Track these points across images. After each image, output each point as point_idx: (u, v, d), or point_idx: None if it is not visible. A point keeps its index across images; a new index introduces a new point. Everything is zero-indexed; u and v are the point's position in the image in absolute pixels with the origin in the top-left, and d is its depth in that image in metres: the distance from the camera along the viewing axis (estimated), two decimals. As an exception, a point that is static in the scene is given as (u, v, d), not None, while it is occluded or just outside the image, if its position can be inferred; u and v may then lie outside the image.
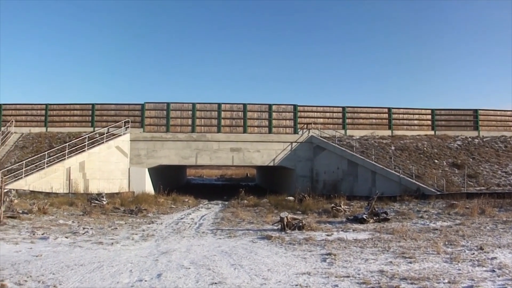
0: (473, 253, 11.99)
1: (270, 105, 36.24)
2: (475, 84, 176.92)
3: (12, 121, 35.30)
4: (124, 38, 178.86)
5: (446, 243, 13.70)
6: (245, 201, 28.88)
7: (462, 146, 34.54)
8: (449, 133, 36.83)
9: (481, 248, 12.54)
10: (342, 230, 17.17)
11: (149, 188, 33.49)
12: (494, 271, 10.00)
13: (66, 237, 15.25)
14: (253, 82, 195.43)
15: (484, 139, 36.14)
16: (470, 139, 35.98)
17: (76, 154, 30.46)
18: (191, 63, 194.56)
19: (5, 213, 18.39)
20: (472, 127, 38.16)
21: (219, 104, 36.10)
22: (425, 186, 27.37)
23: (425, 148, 33.69)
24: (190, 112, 35.70)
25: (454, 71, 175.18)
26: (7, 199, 19.84)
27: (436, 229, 16.81)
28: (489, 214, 20.48)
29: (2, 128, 34.58)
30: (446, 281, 9.11)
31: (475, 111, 38.76)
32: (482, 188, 27.55)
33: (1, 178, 21.72)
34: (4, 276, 9.43)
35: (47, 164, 28.94)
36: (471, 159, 32.34)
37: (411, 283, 8.96)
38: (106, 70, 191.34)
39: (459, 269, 10.18)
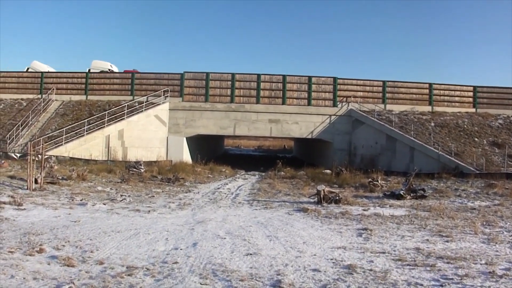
0: (512, 235, 11.79)
1: (309, 77, 35.94)
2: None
3: (53, 89, 35.79)
4: (166, 9, 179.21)
5: (484, 223, 13.46)
6: (282, 172, 28.92)
7: (503, 125, 33.83)
8: (490, 111, 36.06)
9: (520, 230, 12.32)
10: (378, 206, 17.04)
11: (186, 157, 33.71)
12: (533, 253, 9.82)
13: (104, 204, 15.47)
14: (293, 54, 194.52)
15: (527, 119, 35.34)
16: (512, 118, 35.22)
17: (115, 122, 30.80)
18: (231, 36, 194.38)
19: (45, 179, 18.72)
20: (515, 106, 37.26)
21: (259, 75, 35.96)
22: (464, 165, 26.97)
23: (465, 126, 33.12)
24: (229, 83, 35.64)
25: (496, 50, 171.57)
26: (47, 165, 20.18)
27: (474, 209, 16.54)
28: (529, 195, 20.06)
29: (44, 96, 35.07)
30: (483, 262, 8.96)
31: (519, 89, 37.83)
32: (523, 169, 27.03)
33: (42, 144, 22.03)
34: (43, 241, 9.61)
35: (86, 131, 29.37)
36: (512, 139, 31.72)
37: (447, 263, 8.83)
38: (147, 40, 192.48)
39: (497, 251, 10.00)
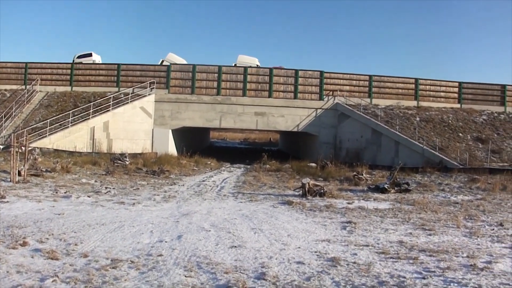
0: (493, 229, 11.92)
1: (296, 71, 36.02)
2: (502, 61, 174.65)
3: (38, 80, 35.52)
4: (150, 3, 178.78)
5: (466, 217, 13.63)
6: (268, 165, 28.99)
7: (487, 121, 34.16)
8: (475, 107, 36.38)
9: (501, 224, 12.45)
10: (363, 199, 17.18)
11: (172, 149, 33.69)
12: (513, 247, 9.94)
13: (89, 196, 15.44)
14: (280, 49, 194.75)
15: (510, 115, 35.69)
16: (496, 114, 35.55)
17: (101, 113, 30.69)
18: (216, 28, 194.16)
19: (29, 171, 18.63)
20: (498, 102, 37.57)
21: (245, 68, 36.08)
22: (448, 159, 27.23)
23: (450, 121, 33.37)
24: (216, 75, 35.59)
25: (483, 47, 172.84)
26: (31, 157, 20.06)
27: (457, 203, 16.72)
28: (511, 191, 20.22)
29: (28, 87, 34.81)
30: (464, 255, 9.07)
31: (503, 86, 38.07)
32: (505, 164, 27.35)
33: (26, 136, 21.90)
34: (26, 234, 9.58)
35: (71, 123, 29.25)
36: (495, 135, 32.02)
37: (430, 255, 8.94)
38: (133, 31, 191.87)
39: (478, 244, 10.13)
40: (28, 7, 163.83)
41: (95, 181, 19.57)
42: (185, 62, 39.55)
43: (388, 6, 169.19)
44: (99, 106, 31.17)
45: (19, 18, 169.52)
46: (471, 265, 8.28)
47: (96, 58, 40.46)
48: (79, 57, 39.66)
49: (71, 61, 38.74)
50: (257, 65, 40.28)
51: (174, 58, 40.58)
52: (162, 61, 39.58)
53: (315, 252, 9.04)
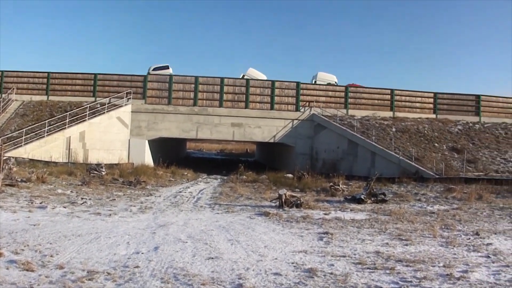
0: (469, 238, 12.02)
1: (273, 82, 36.16)
2: (477, 72, 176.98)
3: (13, 89, 35.13)
4: (128, 10, 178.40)
5: (443, 227, 13.73)
6: (244, 176, 28.96)
7: (462, 131, 34.50)
8: (450, 117, 36.72)
9: (477, 234, 12.56)
10: (339, 210, 17.24)
11: (148, 160, 33.54)
12: (489, 257, 10.03)
13: (64, 207, 15.31)
14: (257, 59, 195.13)
15: (485, 125, 36.05)
16: (471, 124, 35.89)
17: (77, 123, 30.48)
18: (194, 38, 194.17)
19: (4, 181, 18.41)
20: (473, 113, 37.96)
21: (222, 79, 35.98)
22: (424, 169, 27.40)
23: (425, 131, 33.64)
24: (192, 86, 35.53)
25: (457, 59, 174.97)
26: (6, 167, 19.82)
27: (433, 213, 16.86)
28: (486, 200, 20.45)
29: (3, 95, 34.46)
30: (441, 264, 9.15)
31: (478, 96, 38.54)
32: (481, 173, 27.55)
33: (1, 145, 21.70)
34: (1, 245, 9.47)
35: (47, 132, 28.99)
36: (471, 144, 32.32)
37: (407, 265, 9.00)
38: (110, 42, 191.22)
39: (455, 254, 10.23)
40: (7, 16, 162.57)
41: (71, 191, 19.42)
42: (265, 78, 39.44)
43: (362, 16, 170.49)
44: (76, 116, 30.94)
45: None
46: (447, 274, 8.37)
47: (170, 70, 39.72)
48: (155, 69, 38.94)
49: (146, 73, 37.86)
50: (335, 83, 40.11)
51: (255, 73, 40.43)
52: (243, 76, 39.33)
53: (292, 263, 9.04)
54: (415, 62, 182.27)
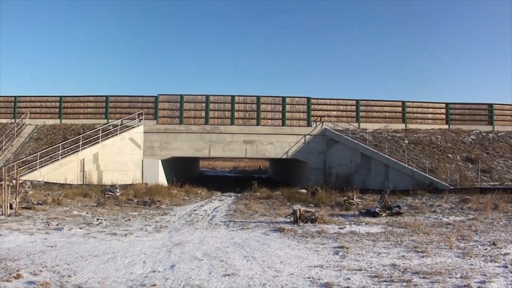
0: (486, 249, 11.96)
1: (283, 98, 36.16)
2: (488, 80, 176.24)
3: (27, 113, 35.54)
4: (137, 33, 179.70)
5: (459, 238, 13.67)
6: (258, 193, 28.94)
7: (476, 141, 34.33)
8: (463, 127, 36.59)
9: (494, 244, 12.49)
10: (354, 223, 17.20)
11: (162, 179, 33.60)
12: (506, 267, 9.98)
13: (80, 228, 15.39)
14: (267, 76, 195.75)
15: (499, 134, 35.87)
16: (484, 134, 35.71)
17: (90, 145, 30.63)
18: (205, 59, 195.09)
19: (20, 204, 18.57)
20: (486, 122, 37.84)
21: (233, 97, 36.08)
22: (438, 180, 27.25)
23: (438, 142, 33.52)
24: (203, 104, 35.69)
25: (468, 68, 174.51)
26: (22, 190, 20.03)
27: (449, 224, 16.79)
28: (502, 210, 20.31)
29: (17, 120, 34.85)
30: (458, 276, 9.11)
31: (490, 105, 38.37)
32: (496, 183, 27.33)
33: (16, 169, 21.85)
34: (20, 266, 9.56)
35: (61, 155, 29.18)
36: (485, 154, 32.14)
37: (423, 278, 8.97)
38: (121, 64, 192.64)
39: (472, 264, 10.17)
40: (17, 42, 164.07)
41: (87, 212, 19.52)
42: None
43: (372, 29, 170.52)
44: (89, 138, 31.11)
45: (9, 53, 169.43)
46: (465, 285, 8.33)
47: None
48: None
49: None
50: None
51: None
52: None
53: (308, 278, 9.04)
54: (425, 73, 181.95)
